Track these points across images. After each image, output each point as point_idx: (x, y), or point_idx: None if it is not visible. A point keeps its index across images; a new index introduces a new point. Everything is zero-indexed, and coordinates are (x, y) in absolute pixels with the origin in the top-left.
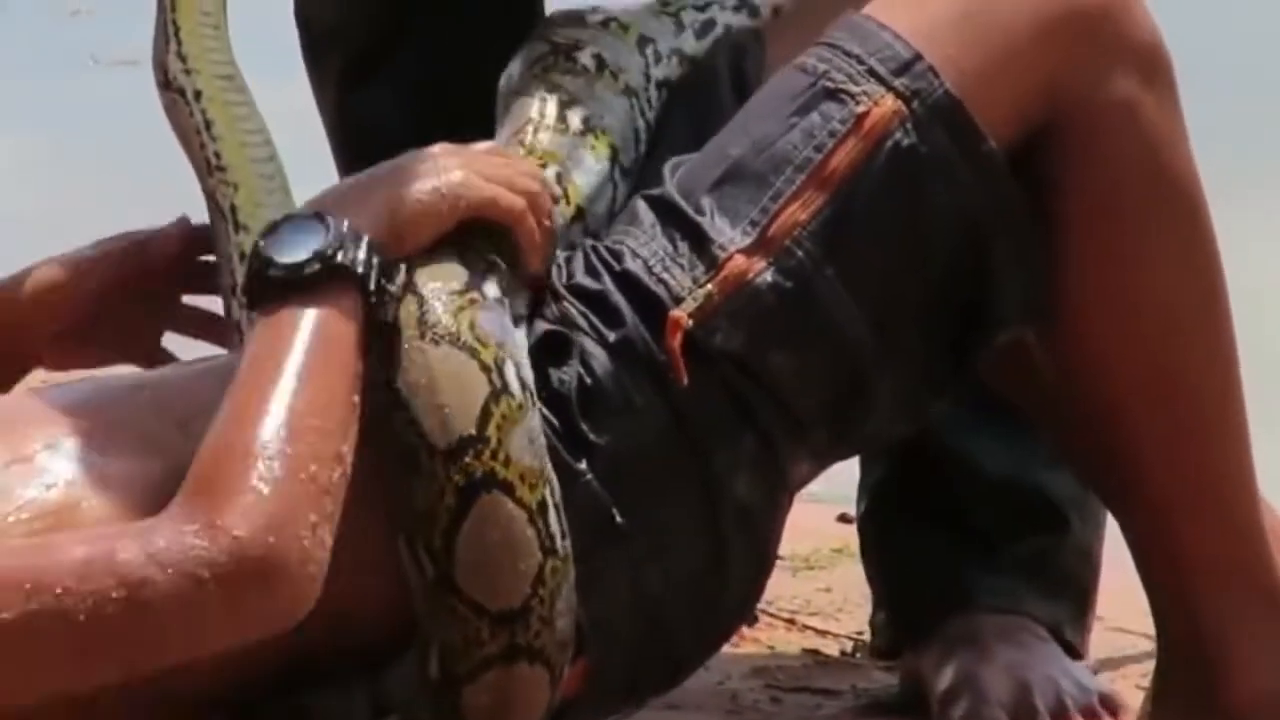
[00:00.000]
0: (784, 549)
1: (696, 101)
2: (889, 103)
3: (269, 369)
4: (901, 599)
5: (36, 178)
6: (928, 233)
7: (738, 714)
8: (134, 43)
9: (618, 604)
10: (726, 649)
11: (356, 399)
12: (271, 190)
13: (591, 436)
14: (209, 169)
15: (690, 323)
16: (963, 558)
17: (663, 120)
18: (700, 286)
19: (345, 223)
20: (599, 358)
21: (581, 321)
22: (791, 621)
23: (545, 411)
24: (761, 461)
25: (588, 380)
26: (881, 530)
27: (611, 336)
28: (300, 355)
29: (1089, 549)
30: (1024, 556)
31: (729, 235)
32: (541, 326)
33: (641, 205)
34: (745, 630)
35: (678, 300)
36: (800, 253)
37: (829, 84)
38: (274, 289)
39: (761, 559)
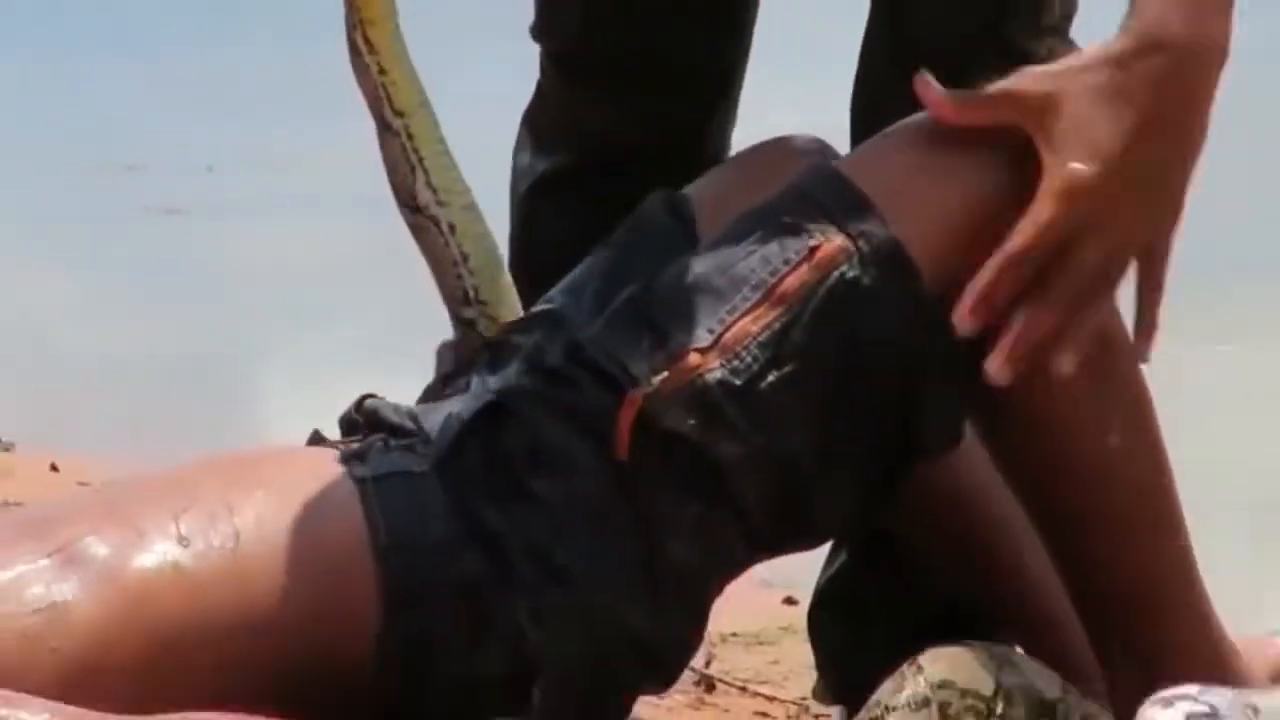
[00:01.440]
0: (738, 626)
1: None
2: (838, 240)
3: None
4: (847, 681)
5: (100, 312)
6: (863, 356)
7: None
8: (180, 193)
9: (567, 636)
10: (689, 711)
11: None
12: (515, 312)
13: (537, 488)
14: (466, 300)
15: (643, 402)
16: (903, 645)
17: None
18: (656, 374)
19: None
20: (551, 424)
21: (537, 390)
22: (744, 689)
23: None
24: (700, 533)
25: (538, 440)
26: (834, 624)
27: (567, 405)
28: None
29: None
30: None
31: (686, 338)
32: (489, 395)
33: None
34: (705, 696)
35: (635, 382)
36: (749, 358)
37: (787, 220)
38: None
39: (695, 618)
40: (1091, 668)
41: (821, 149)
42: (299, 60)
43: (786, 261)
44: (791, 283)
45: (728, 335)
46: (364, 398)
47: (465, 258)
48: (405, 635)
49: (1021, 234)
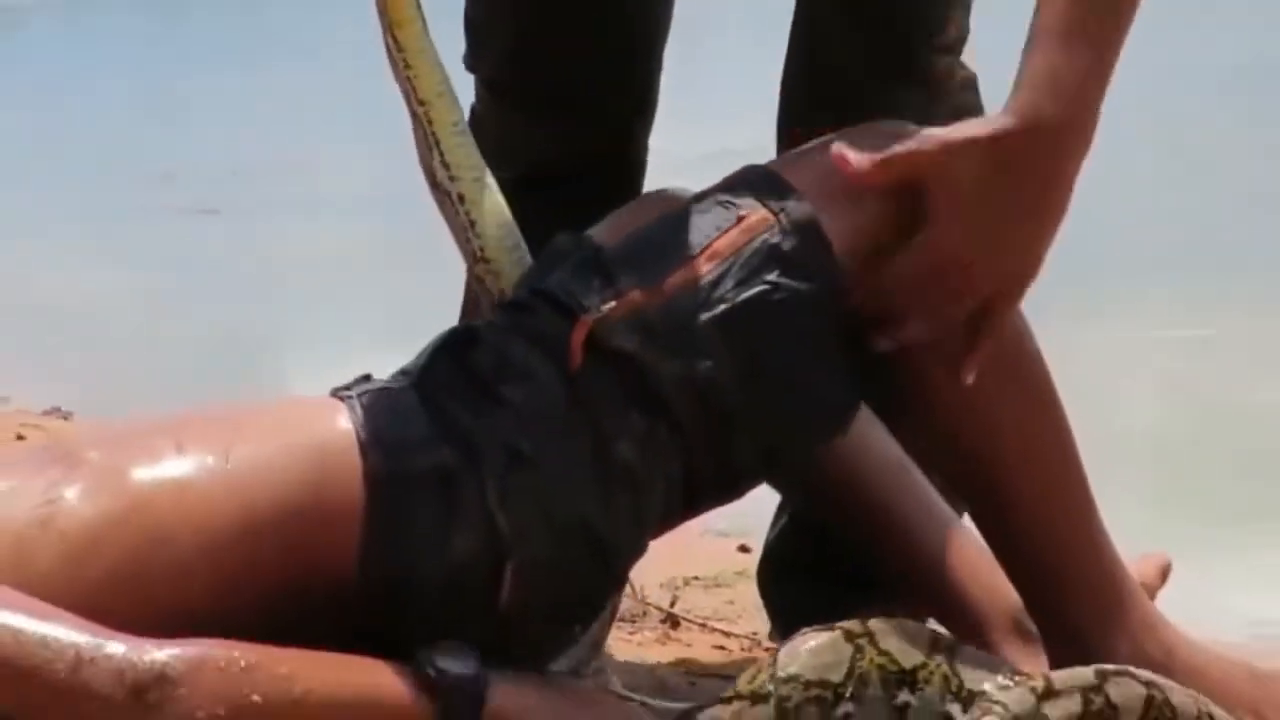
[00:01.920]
0: (699, 571)
1: None
2: (763, 212)
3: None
4: (793, 623)
5: (147, 299)
6: (781, 307)
7: (665, 693)
8: (214, 197)
9: (531, 516)
10: (655, 646)
11: None
12: (522, 266)
13: (504, 393)
14: (475, 260)
15: (593, 325)
16: (838, 597)
17: None
18: (605, 304)
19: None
20: (514, 343)
21: (501, 320)
22: (704, 625)
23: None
24: (646, 438)
25: (503, 358)
26: (776, 578)
27: (527, 328)
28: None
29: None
30: (888, 598)
31: (632, 281)
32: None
33: (562, 249)
34: (670, 632)
35: (585, 310)
36: (685, 299)
37: (721, 198)
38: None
39: (639, 522)
40: (989, 628)
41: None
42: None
43: (718, 227)
44: (722, 243)
45: (667, 282)
46: (364, 377)
47: (473, 224)
48: (388, 519)
49: (888, 274)
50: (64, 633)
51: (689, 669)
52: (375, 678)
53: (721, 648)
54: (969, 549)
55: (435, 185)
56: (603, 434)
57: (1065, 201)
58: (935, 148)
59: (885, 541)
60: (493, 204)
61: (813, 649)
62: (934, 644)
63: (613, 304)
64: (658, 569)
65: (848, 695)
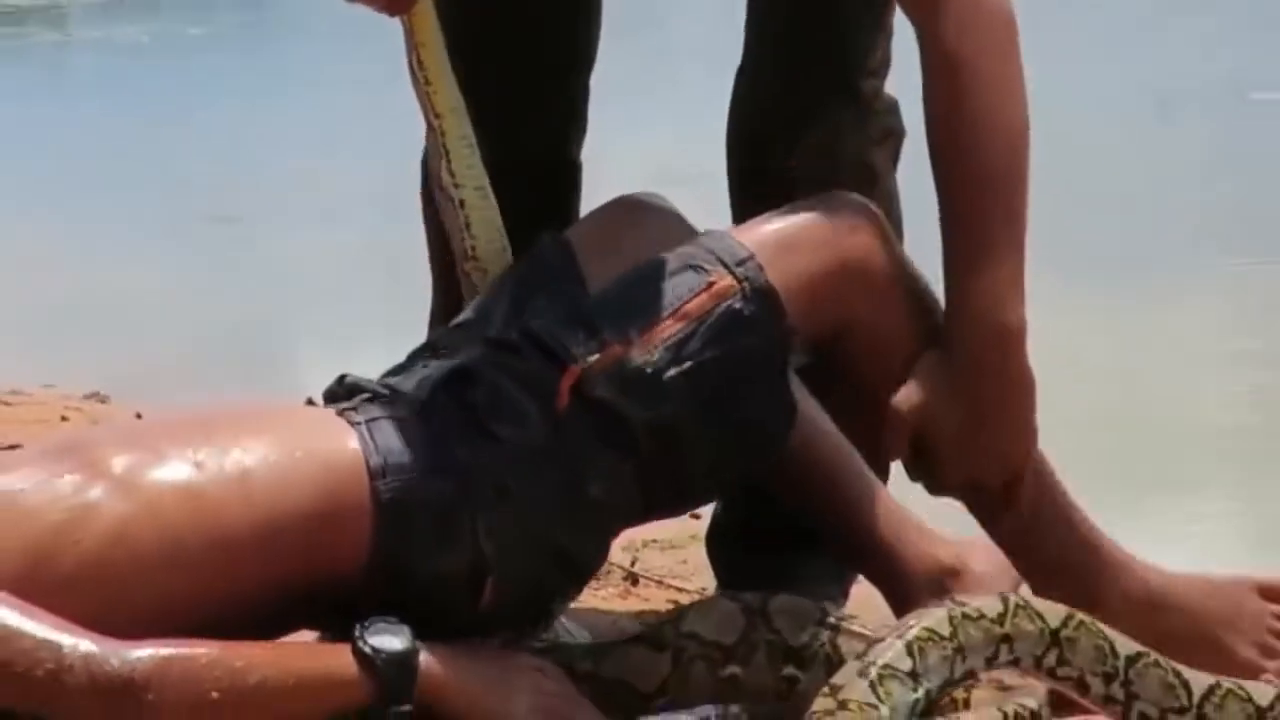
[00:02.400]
0: (656, 535)
1: None
2: (729, 279)
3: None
4: (735, 581)
5: (177, 296)
6: (740, 363)
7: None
8: (233, 205)
9: (512, 542)
10: (617, 600)
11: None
12: (505, 265)
13: (496, 430)
14: (466, 256)
15: (580, 373)
16: (773, 559)
17: None
18: (590, 355)
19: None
20: (507, 383)
21: (494, 358)
22: (660, 582)
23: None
24: (615, 474)
25: (496, 396)
26: (722, 541)
27: (519, 371)
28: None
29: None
30: (815, 556)
31: (613, 336)
32: (455, 362)
33: (548, 300)
34: (631, 588)
35: (574, 359)
36: (658, 355)
37: (693, 263)
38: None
39: (600, 545)
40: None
41: (662, 200)
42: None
43: (690, 290)
44: (693, 306)
45: (644, 337)
46: (342, 376)
47: (468, 226)
48: (391, 537)
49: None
50: (45, 634)
51: (646, 619)
52: (323, 661)
53: (675, 602)
54: (897, 515)
55: (441, 188)
56: (578, 472)
57: (1026, 381)
58: (918, 402)
59: (827, 510)
60: (488, 211)
61: (714, 615)
62: (820, 624)
63: (597, 356)
64: (621, 534)
65: (735, 659)
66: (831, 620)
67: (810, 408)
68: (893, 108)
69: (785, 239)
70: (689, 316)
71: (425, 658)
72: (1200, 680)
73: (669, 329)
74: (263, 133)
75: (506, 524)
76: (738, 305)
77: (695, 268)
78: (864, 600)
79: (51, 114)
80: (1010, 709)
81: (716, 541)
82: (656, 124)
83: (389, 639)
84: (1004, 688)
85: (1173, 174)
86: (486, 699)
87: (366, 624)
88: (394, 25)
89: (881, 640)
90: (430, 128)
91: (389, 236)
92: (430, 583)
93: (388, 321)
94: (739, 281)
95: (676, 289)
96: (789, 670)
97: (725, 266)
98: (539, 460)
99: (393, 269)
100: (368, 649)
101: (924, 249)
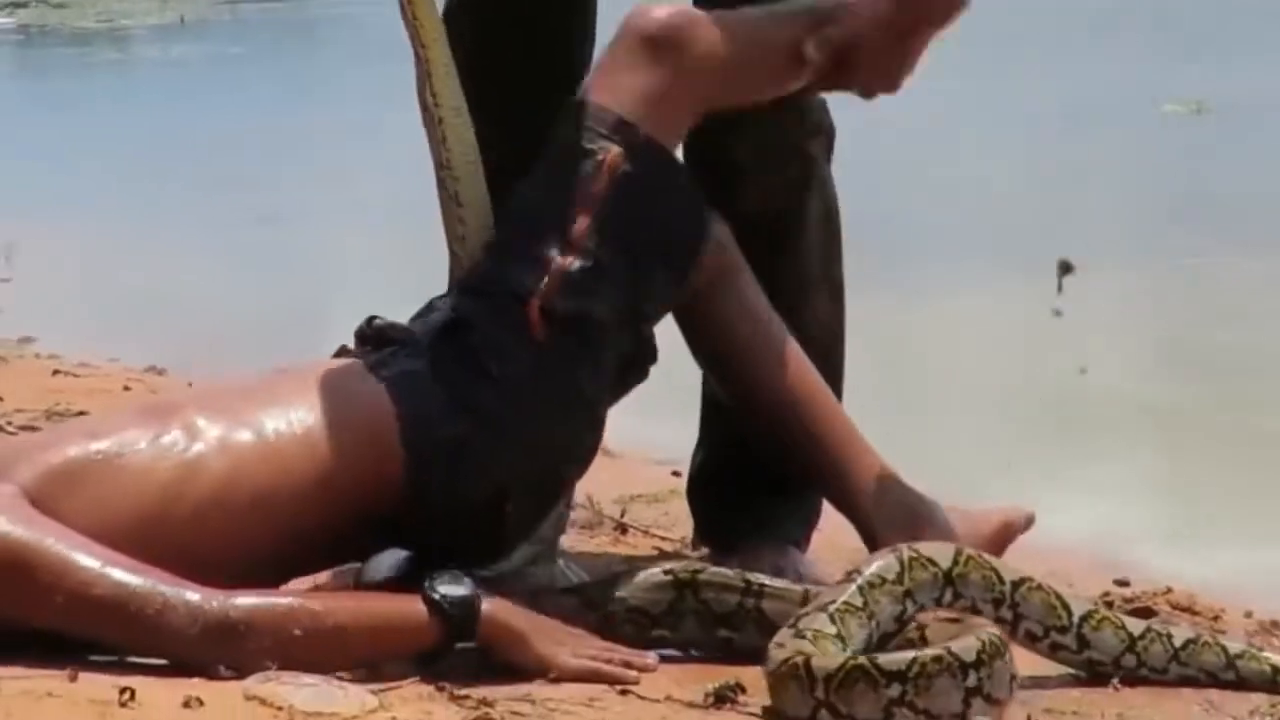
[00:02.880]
0: (641, 490)
1: None
2: (614, 150)
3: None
4: (712, 530)
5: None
6: (649, 213)
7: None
8: (270, 201)
9: (522, 465)
10: (609, 546)
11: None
12: (477, 179)
13: (492, 369)
14: (441, 166)
15: (540, 302)
16: (744, 510)
17: None
18: (540, 281)
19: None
20: (488, 326)
21: (472, 306)
22: (646, 532)
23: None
24: (596, 367)
25: (487, 339)
26: (702, 489)
27: (493, 312)
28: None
29: (815, 497)
30: (783, 503)
31: (549, 248)
32: (449, 314)
33: (497, 241)
34: (620, 537)
35: (530, 292)
36: (590, 245)
37: (581, 147)
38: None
39: (595, 429)
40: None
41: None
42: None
43: (587, 174)
44: (596, 190)
45: (572, 237)
46: (371, 318)
47: (445, 139)
48: (419, 476)
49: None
50: (151, 584)
51: (632, 563)
52: (393, 605)
53: (658, 548)
54: (875, 469)
55: (424, 108)
56: (571, 380)
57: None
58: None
59: (814, 464)
60: (463, 129)
61: (646, 585)
62: (745, 592)
63: (545, 280)
64: (611, 489)
65: (663, 625)
66: (755, 587)
67: (804, 369)
68: (823, 106)
69: (626, 71)
70: (596, 200)
71: (485, 604)
72: (1079, 604)
73: (584, 224)
74: (294, 138)
75: (516, 449)
76: (628, 169)
77: (588, 152)
78: (824, 543)
79: (114, 121)
80: (984, 637)
81: (694, 495)
82: None
83: (455, 587)
84: (954, 620)
85: (1087, 178)
86: (537, 639)
87: (433, 575)
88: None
89: (838, 585)
90: (417, 57)
91: (409, 227)
92: (456, 512)
93: (409, 296)
94: (623, 148)
95: (579, 179)
96: (723, 632)
97: (605, 138)
98: (532, 384)
99: (412, 253)
100: (436, 595)
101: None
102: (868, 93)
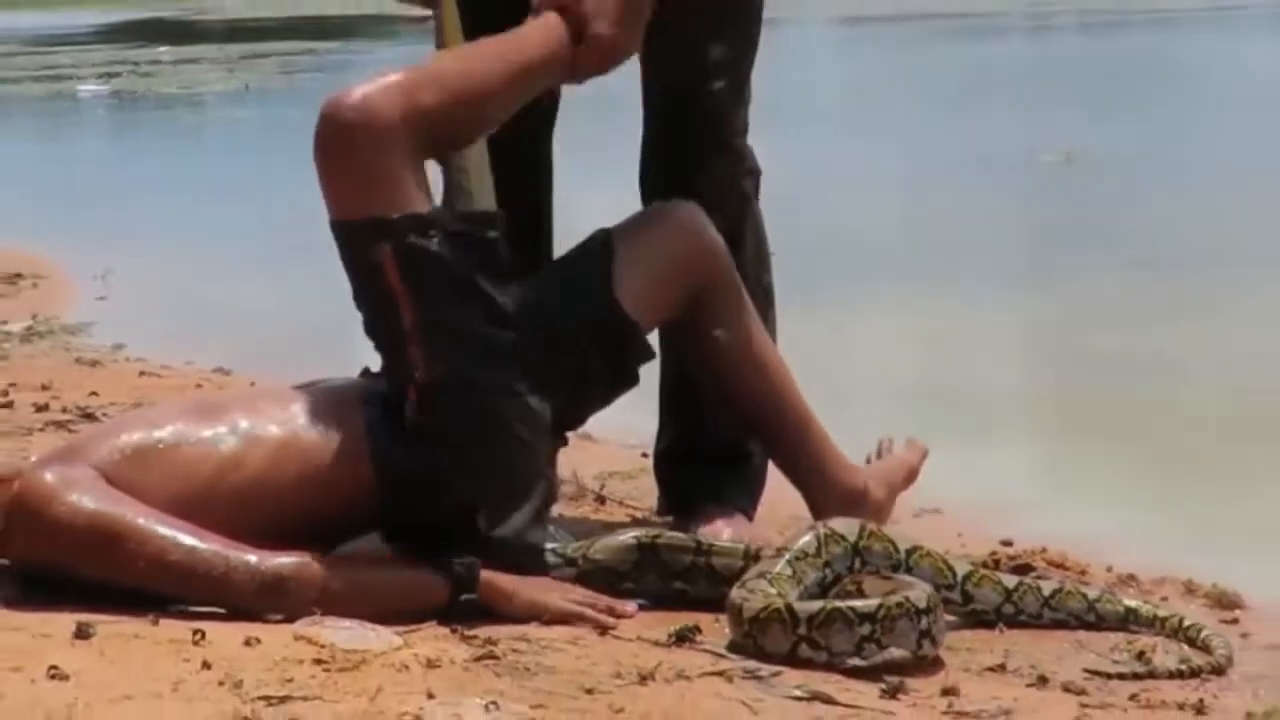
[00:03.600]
0: (615, 468)
1: None
2: (385, 248)
3: None
4: (674, 501)
5: (277, 303)
6: (446, 277)
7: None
8: (313, 238)
9: (501, 484)
10: (591, 515)
11: None
12: (484, 172)
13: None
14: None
15: (415, 387)
16: (701, 484)
17: None
18: (413, 372)
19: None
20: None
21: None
22: (620, 502)
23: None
24: (514, 398)
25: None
26: (666, 467)
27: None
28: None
29: (759, 471)
30: (732, 478)
31: (400, 345)
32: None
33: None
34: (599, 506)
35: (409, 383)
36: (422, 322)
37: (367, 261)
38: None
39: (545, 433)
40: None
41: (692, 210)
42: None
43: (382, 278)
44: (394, 284)
45: (406, 329)
46: (365, 369)
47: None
48: (388, 491)
49: None
50: (216, 549)
51: (609, 527)
52: (413, 569)
53: (631, 515)
54: (823, 447)
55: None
56: (486, 419)
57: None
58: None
59: (771, 440)
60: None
61: (615, 547)
62: (697, 551)
63: (415, 369)
64: (593, 467)
65: (629, 579)
66: (705, 547)
67: (777, 369)
68: (751, 154)
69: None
70: (401, 293)
71: (483, 571)
72: (962, 565)
73: (410, 316)
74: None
75: (470, 476)
76: (402, 255)
77: (371, 264)
78: (767, 512)
79: (190, 169)
80: (928, 590)
81: (659, 472)
82: (609, 173)
83: (459, 560)
84: (885, 578)
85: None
86: (525, 592)
87: (439, 554)
88: None
89: (797, 538)
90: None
91: None
92: (429, 524)
93: None
94: (389, 243)
95: (378, 286)
96: (679, 585)
97: (372, 242)
98: (456, 438)
99: None
100: (444, 560)
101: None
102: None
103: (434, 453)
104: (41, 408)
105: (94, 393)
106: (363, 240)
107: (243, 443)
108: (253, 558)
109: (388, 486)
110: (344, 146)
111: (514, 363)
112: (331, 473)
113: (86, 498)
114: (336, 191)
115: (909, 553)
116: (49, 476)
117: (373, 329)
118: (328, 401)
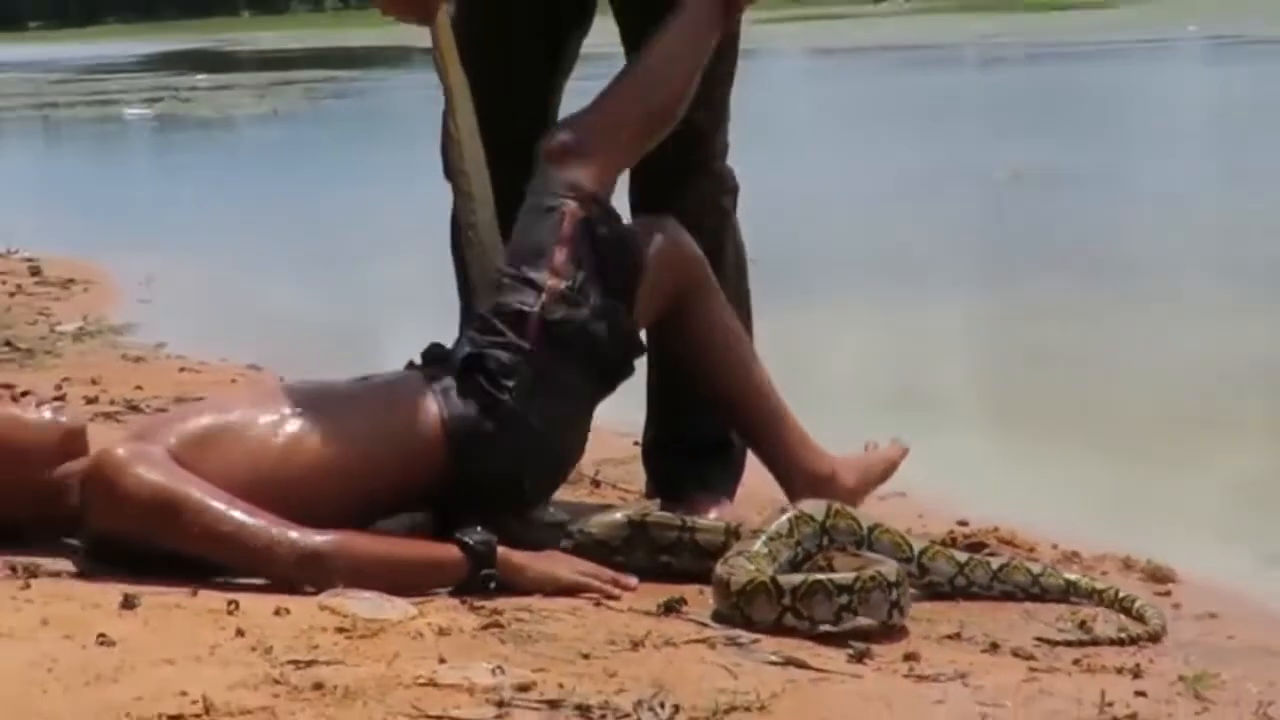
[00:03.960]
0: (610, 456)
1: None
2: (573, 205)
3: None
4: (661, 485)
5: (304, 306)
6: (607, 247)
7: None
8: (338, 247)
9: (536, 457)
10: (586, 497)
11: None
12: (485, 182)
13: (504, 384)
14: (458, 173)
15: (539, 315)
16: (686, 470)
17: None
18: (539, 300)
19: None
20: (494, 350)
21: (483, 336)
22: (614, 486)
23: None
24: (587, 369)
25: (500, 364)
26: (654, 455)
27: (496, 338)
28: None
29: (739, 458)
30: (715, 465)
31: (540, 275)
32: (467, 349)
33: (496, 278)
34: (594, 490)
35: (532, 309)
36: (570, 269)
37: (546, 205)
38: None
39: (586, 427)
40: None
41: (670, 222)
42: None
43: (556, 222)
44: (565, 230)
45: (555, 265)
46: (433, 344)
47: (473, 226)
48: (459, 456)
49: None
50: (263, 524)
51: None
52: (431, 544)
53: (623, 498)
54: (796, 434)
55: (456, 175)
56: (566, 381)
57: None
58: None
59: (745, 427)
60: (490, 215)
61: (607, 523)
62: (681, 529)
63: (543, 296)
64: (588, 455)
65: (619, 553)
66: (688, 524)
67: (755, 365)
68: (730, 173)
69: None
70: (566, 239)
71: (500, 548)
72: (919, 541)
73: (562, 255)
74: (357, 198)
75: (529, 444)
76: (584, 216)
77: (551, 207)
78: (746, 495)
79: (225, 185)
80: (897, 566)
81: (648, 456)
82: None
83: (478, 534)
84: (854, 555)
85: (938, 225)
86: (536, 565)
87: (462, 529)
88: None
89: (772, 520)
90: (445, 88)
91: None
92: (485, 487)
93: (451, 321)
94: (582, 204)
95: (549, 224)
96: (664, 559)
97: (563, 197)
98: (537, 390)
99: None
100: (465, 538)
101: None
102: None
103: (507, 421)
104: (91, 400)
105: (139, 387)
106: (558, 190)
107: (308, 431)
108: (295, 533)
109: (458, 441)
110: (576, 135)
111: (599, 350)
112: (401, 451)
113: (153, 472)
114: (562, 144)
115: (870, 529)
116: (121, 452)
117: (513, 259)
118: (395, 384)
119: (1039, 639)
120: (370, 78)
